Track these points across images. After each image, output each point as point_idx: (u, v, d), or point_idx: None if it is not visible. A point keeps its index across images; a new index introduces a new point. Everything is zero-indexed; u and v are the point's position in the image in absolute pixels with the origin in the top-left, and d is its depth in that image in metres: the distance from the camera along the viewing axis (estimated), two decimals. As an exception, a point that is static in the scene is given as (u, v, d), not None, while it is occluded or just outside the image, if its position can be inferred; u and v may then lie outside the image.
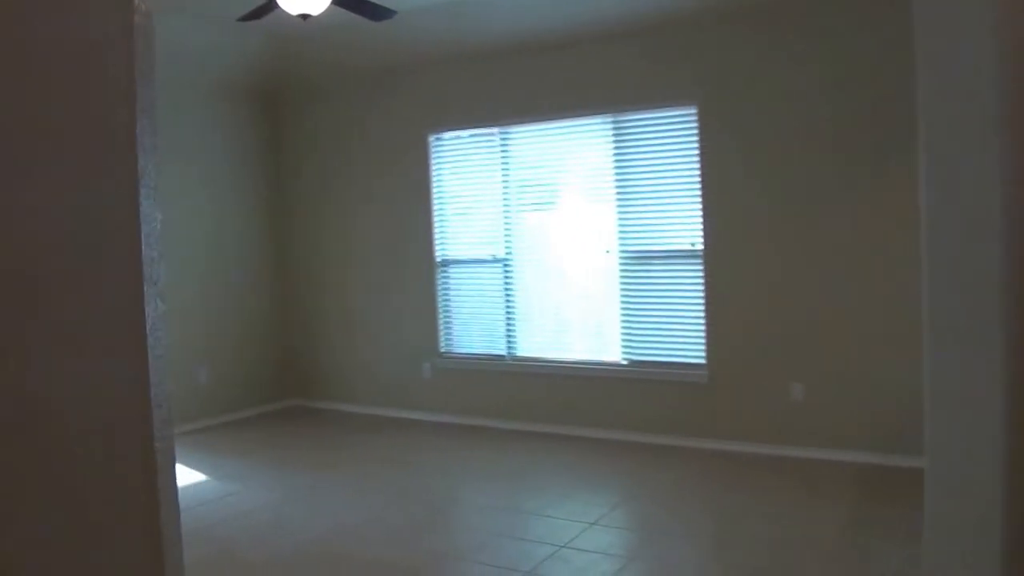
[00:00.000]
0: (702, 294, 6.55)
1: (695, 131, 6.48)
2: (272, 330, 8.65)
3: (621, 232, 6.90)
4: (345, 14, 5.68)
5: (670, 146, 6.64)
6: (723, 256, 6.44)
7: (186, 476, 6.36)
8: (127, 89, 1.58)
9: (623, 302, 6.93)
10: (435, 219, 7.80)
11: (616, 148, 6.86)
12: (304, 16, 4.82)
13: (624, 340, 6.95)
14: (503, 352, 7.52)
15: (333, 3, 4.99)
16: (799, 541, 4.72)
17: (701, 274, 6.54)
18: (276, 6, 4.92)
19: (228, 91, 8.18)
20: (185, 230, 7.77)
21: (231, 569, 4.68)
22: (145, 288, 1.63)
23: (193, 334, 7.82)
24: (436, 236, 7.81)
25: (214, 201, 8.07)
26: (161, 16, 6.53)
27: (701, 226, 6.52)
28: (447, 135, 7.69)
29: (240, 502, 5.79)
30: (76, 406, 1.50)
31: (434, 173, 7.78)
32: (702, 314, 6.56)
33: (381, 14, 5.34)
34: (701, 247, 6.53)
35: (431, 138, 7.74)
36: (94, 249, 1.55)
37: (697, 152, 6.49)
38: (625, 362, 6.95)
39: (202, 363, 7.93)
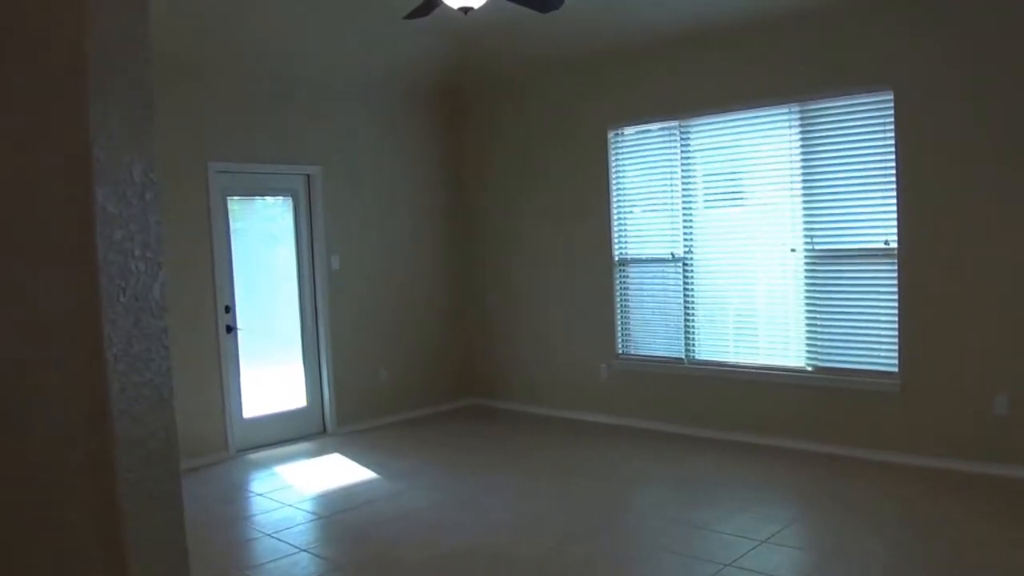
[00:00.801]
0: (895, 296, 6.01)
1: (890, 118, 5.95)
2: (451, 329, 8.73)
3: (807, 229, 6.45)
4: (517, 10, 5.59)
5: (862, 135, 6.13)
6: (921, 255, 5.88)
7: (357, 474, 6.49)
8: (71, 71, 1.44)
9: (808, 304, 6.48)
10: (614, 217, 7.60)
11: (803, 139, 6.42)
12: (465, 10, 4.76)
13: (809, 344, 6.50)
14: (681, 355, 7.23)
15: (499, -3, 4.91)
16: (998, 570, 4.20)
17: (895, 274, 6.00)
18: (439, 2, 4.89)
19: (411, 91, 8.32)
20: (368, 230, 7.96)
21: (390, 570, 4.68)
22: (105, 300, 1.50)
23: (374, 334, 8.00)
24: (615, 234, 7.61)
25: (395, 201, 8.23)
26: (348, 21, 6.65)
27: (896, 222, 5.98)
28: (627, 130, 7.47)
29: (406, 501, 5.83)
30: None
31: (613, 169, 7.58)
32: (895, 318, 6.02)
33: (549, 5, 5.20)
34: (895, 245, 5.99)
35: (611, 133, 7.55)
36: (21, 250, 1.43)
37: (892, 141, 5.95)
38: (810, 368, 6.49)
39: (383, 362, 8.09)
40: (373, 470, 6.56)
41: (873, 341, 6.18)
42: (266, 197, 7.58)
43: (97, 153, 1.49)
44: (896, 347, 6.04)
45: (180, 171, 6.72)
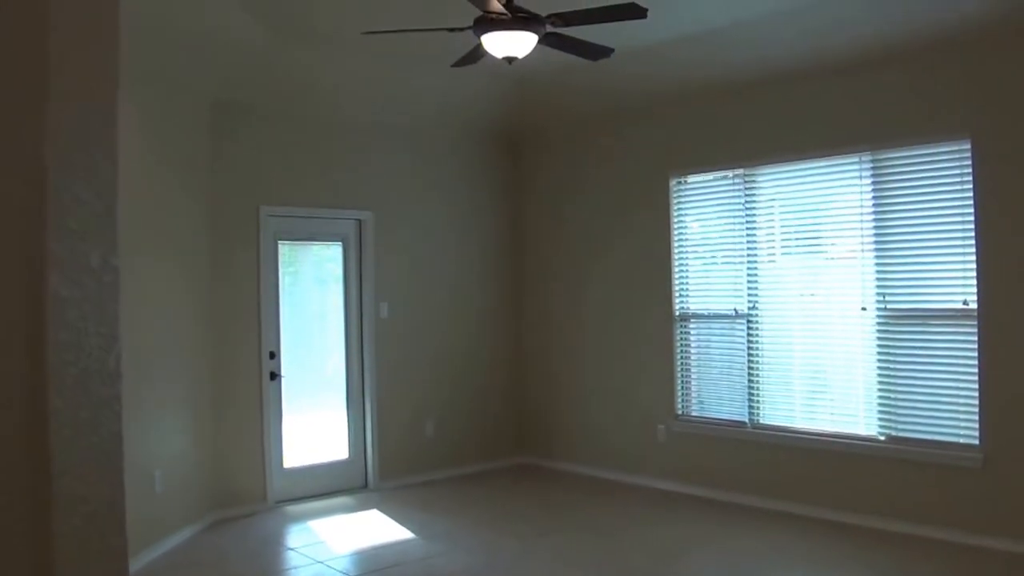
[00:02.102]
0: (976, 361, 5.50)
1: (968, 169, 5.52)
2: (503, 383, 8.42)
3: (879, 287, 6.00)
4: (568, 55, 5.38)
5: (938, 187, 5.70)
6: (1004, 316, 5.38)
7: (394, 533, 6.21)
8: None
9: (881, 367, 6.00)
10: (675, 269, 7.25)
11: (875, 190, 6.01)
12: (509, 59, 4.61)
13: (881, 412, 6.01)
14: (744, 418, 6.78)
15: (545, 44, 4.70)
16: None
17: (975, 337, 5.51)
18: (484, 52, 4.72)
19: (465, 136, 8.17)
20: (419, 278, 7.78)
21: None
22: (52, 373, 1.64)
23: (421, 385, 7.76)
24: (676, 288, 7.25)
25: (447, 249, 8.03)
26: (401, 64, 6.54)
27: (975, 281, 5.50)
28: (690, 178, 7.15)
29: (440, 564, 5.51)
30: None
31: (675, 219, 7.26)
32: (976, 385, 5.50)
33: (598, 52, 4.98)
34: (975, 306, 5.51)
35: (673, 181, 7.24)
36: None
37: (971, 194, 5.51)
38: (882, 437, 5.99)
39: (430, 415, 7.82)
40: (411, 530, 6.26)
41: (952, 410, 5.67)
42: (317, 242, 7.46)
43: (53, 245, 1.65)
44: (977, 417, 5.51)
45: (231, 214, 6.66)
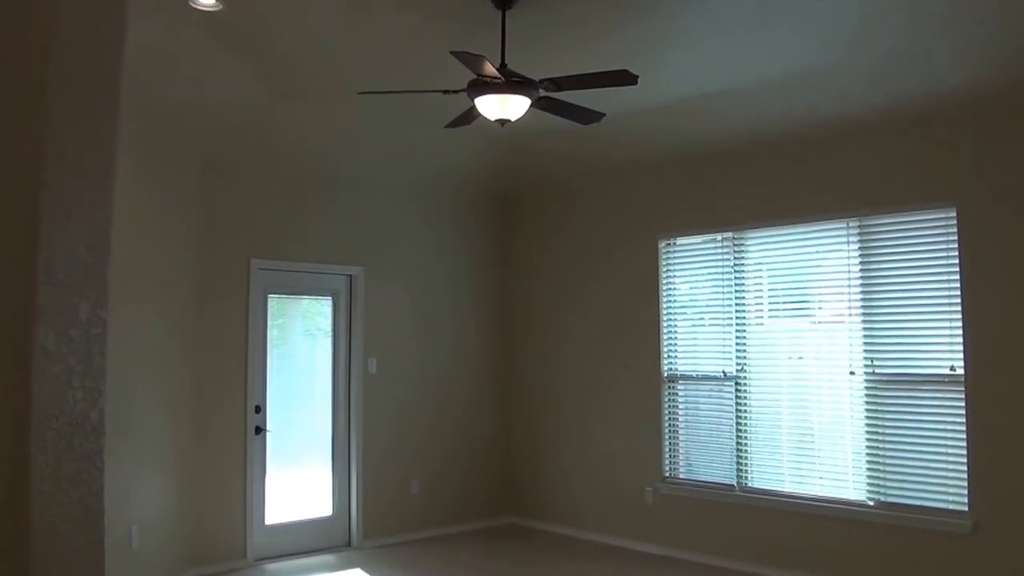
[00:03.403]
0: (964, 427, 5.51)
1: (954, 236, 5.58)
2: (490, 442, 8.36)
3: (867, 351, 6.02)
4: (560, 119, 5.45)
5: (924, 253, 5.76)
6: (990, 382, 5.40)
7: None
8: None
9: (869, 432, 5.99)
10: (664, 330, 7.26)
11: (862, 255, 6.07)
12: (502, 122, 4.65)
13: (870, 476, 5.98)
14: (732, 481, 6.74)
15: (538, 108, 4.77)
16: None
17: (963, 403, 5.52)
18: (478, 114, 4.78)
19: (458, 193, 8.24)
20: (408, 335, 7.78)
21: None
22: (35, 426, 1.62)
23: (408, 443, 7.71)
24: (664, 349, 7.25)
25: (437, 306, 8.05)
26: (396, 122, 6.61)
27: (962, 347, 5.53)
28: (679, 240, 7.21)
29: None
30: None
31: (664, 280, 7.29)
32: (964, 451, 5.50)
33: (590, 117, 5.05)
34: (962, 371, 5.53)
35: (662, 243, 7.29)
36: None
37: (957, 260, 5.57)
38: (871, 502, 5.96)
39: (416, 474, 7.75)
40: (392, 589, 6.17)
41: (940, 476, 5.65)
42: (308, 297, 7.46)
43: (42, 298, 1.66)
44: (966, 483, 5.50)
45: (222, 267, 6.67)
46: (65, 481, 1.70)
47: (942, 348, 5.66)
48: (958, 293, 5.56)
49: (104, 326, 1.79)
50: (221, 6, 4.64)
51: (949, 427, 5.60)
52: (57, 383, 1.68)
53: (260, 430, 6.85)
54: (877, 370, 5.97)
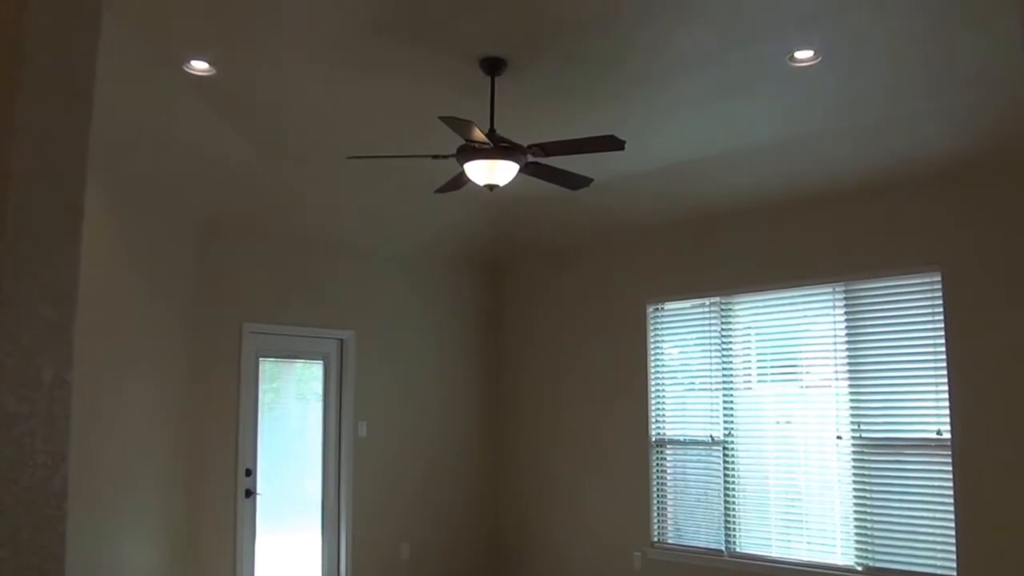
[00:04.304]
0: (951, 491, 5.52)
1: (939, 300, 5.66)
2: (479, 507, 8.32)
3: (854, 415, 6.06)
4: (551, 184, 5.54)
5: (910, 317, 5.84)
6: (977, 446, 5.42)
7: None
8: None
9: (857, 496, 6.00)
10: (652, 395, 7.29)
11: (848, 319, 6.14)
12: (491, 187, 4.70)
13: (858, 541, 5.97)
14: (720, 546, 6.71)
15: (527, 173, 4.85)
16: None
17: (950, 467, 5.54)
18: (467, 179, 4.85)
19: (449, 259, 8.33)
20: (399, 398, 7.79)
21: None
22: None
23: (398, 506, 7.67)
24: (652, 413, 7.27)
25: (428, 369, 8.09)
26: (387, 189, 6.70)
27: (948, 411, 5.57)
28: (667, 305, 7.28)
29: None
30: None
31: (652, 345, 7.34)
32: (951, 515, 5.51)
33: (578, 182, 5.13)
34: (949, 436, 5.56)
35: (650, 308, 7.36)
36: None
37: (942, 324, 5.64)
38: (859, 567, 5.94)
39: (406, 538, 7.70)
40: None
41: (928, 540, 5.65)
42: (299, 360, 7.49)
43: (3, 358, 1.58)
44: (954, 547, 5.49)
45: (214, 330, 6.71)
46: (24, 547, 1.63)
47: (928, 412, 5.71)
48: (943, 357, 5.61)
49: (69, 390, 1.71)
50: (214, 71, 4.76)
51: (936, 491, 5.62)
52: (17, 447, 1.61)
53: (250, 493, 6.82)
54: (864, 434, 6.00)
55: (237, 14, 4.15)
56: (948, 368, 5.59)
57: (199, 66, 4.70)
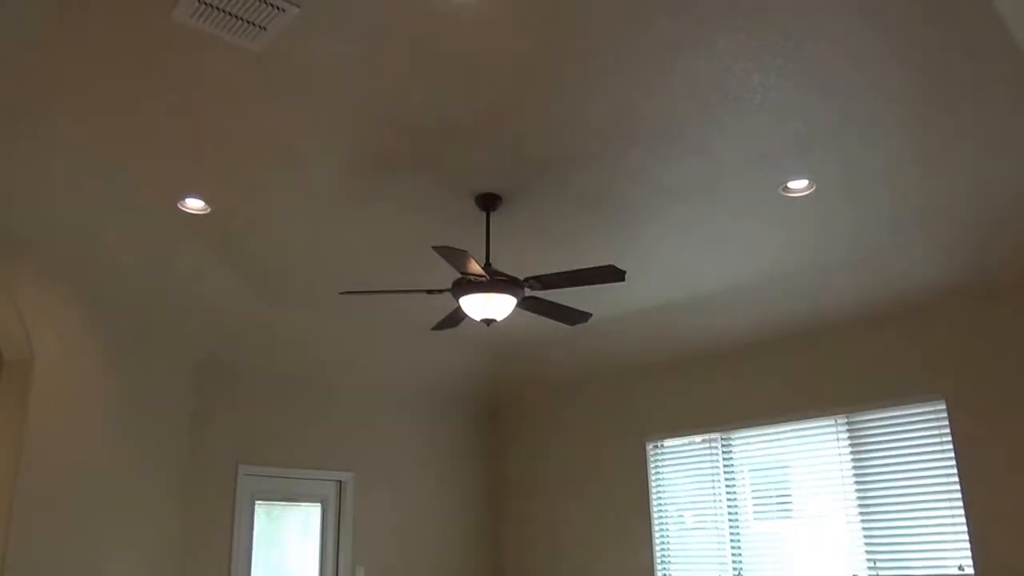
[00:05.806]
0: (978, 631, 5.26)
1: (947, 429, 5.54)
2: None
3: (869, 552, 5.83)
4: (549, 321, 5.50)
5: (917, 448, 5.70)
6: (1000, 581, 5.20)
7: None
8: None
9: (877, 639, 5.72)
10: (656, 536, 7.06)
11: (853, 452, 6.00)
12: (488, 321, 4.64)
13: None
14: None
15: (524, 308, 4.82)
16: None
17: (974, 605, 5.30)
18: (464, 314, 4.82)
19: (448, 399, 8.23)
20: (398, 542, 7.57)
21: None
22: None
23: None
24: (657, 555, 7.02)
25: (428, 511, 7.86)
26: (385, 331, 6.66)
27: (969, 544, 5.36)
28: (667, 442, 7.14)
29: None
30: None
31: (654, 483, 7.16)
32: (980, 657, 5.23)
33: (576, 317, 5.09)
34: (971, 570, 5.33)
35: (650, 446, 7.21)
36: None
37: (952, 453, 5.49)
38: None
39: None
40: None
41: None
42: (296, 503, 7.29)
43: None
44: None
45: (209, 472, 6.57)
46: None
47: (948, 545, 5.48)
48: (957, 486, 5.45)
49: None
50: (210, 209, 4.79)
51: (961, 631, 5.35)
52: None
53: (241, 645, 6.52)
54: (881, 572, 5.76)
55: (231, 151, 4.19)
56: (963, 498, 5.41)
57: (195, 204, 4.74)
